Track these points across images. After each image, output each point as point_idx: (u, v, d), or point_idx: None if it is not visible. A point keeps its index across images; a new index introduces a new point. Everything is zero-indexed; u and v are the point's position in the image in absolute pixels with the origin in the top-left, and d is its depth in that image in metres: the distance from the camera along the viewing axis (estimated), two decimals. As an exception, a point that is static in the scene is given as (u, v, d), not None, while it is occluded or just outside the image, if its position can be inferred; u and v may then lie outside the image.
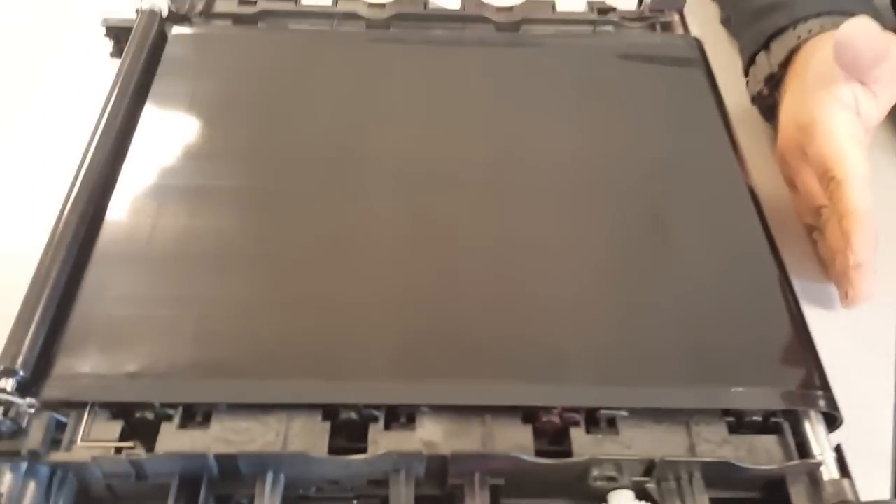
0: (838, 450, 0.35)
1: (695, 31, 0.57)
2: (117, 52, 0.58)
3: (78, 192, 0.42)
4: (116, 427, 0.35)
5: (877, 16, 0.48)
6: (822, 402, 0.36)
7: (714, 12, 0.65)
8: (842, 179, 0.42)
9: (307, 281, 0.40)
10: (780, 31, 0.52)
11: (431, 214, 0.42)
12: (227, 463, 0.34)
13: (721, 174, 0.45)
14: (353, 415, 0.35)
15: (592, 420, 0.36)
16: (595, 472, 0.34)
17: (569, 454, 0.35)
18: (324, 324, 0.38)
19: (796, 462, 0.34)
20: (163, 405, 0.35)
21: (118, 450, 0.34)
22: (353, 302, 0.39)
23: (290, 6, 0.55)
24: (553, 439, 0.36)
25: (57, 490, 0.34)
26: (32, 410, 0.34)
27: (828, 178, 0.43)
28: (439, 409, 0.36)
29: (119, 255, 0.41)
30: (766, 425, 0.36)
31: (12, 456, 0.33)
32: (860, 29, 0.44)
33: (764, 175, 0.49)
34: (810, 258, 0.50)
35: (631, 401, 0.36)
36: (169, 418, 0.35)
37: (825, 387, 0.37)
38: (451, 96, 0.49)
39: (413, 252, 0.41)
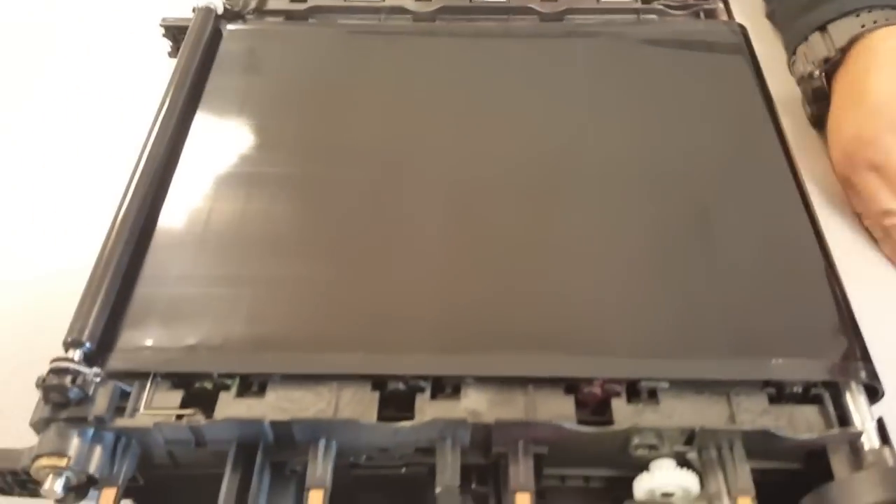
0: (880, 422, 0.36)
1: (739, 18, 0.58)
2: (175, 52, 0.60)
3: (139, 180, 0.44)
4: (177, 396, 0.37)
5: None
6: (862, 374, 0.36)
7: (759, 5, 0.65)
8: None
9: (357, 261, 0.41)
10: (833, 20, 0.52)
11: (478, 200, 0.44)
12: (282, 429, 0.36)
13: (763, 158, 0.46)
14: (400, 385, 0.37)
15: (633, 391, 0.36)
16: (636, 441, 0.35)
17: (610, 424, 0.36)
18: (373, 300, 0.39)
19: (836, 431, 0.35)
20: (221, 375, 0.37)
21: (179, 417, 0.36)
22: (401, 280, 0.40)
23: (339, 2, 0.56)
24: (594, 410, 0.37)
25: (121, 455, 0.36)
26: (98, 380, 0.36)
27: None
28: (483, 381, 0.37)
29: (178, 238, 0.43)
30: (807, 396, 0.36)
31: (79, 422, 0.36)
32: None
33: (805, 161, 0.49)
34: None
35: (672, 372, 0.36)
36: (226, 388, 0.37)
37: (866, 358, 0.37)
38: (498, 87, 0.50)
39: (459, 234, 0.42)
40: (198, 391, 0.37)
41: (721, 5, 0.58)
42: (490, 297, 0.39)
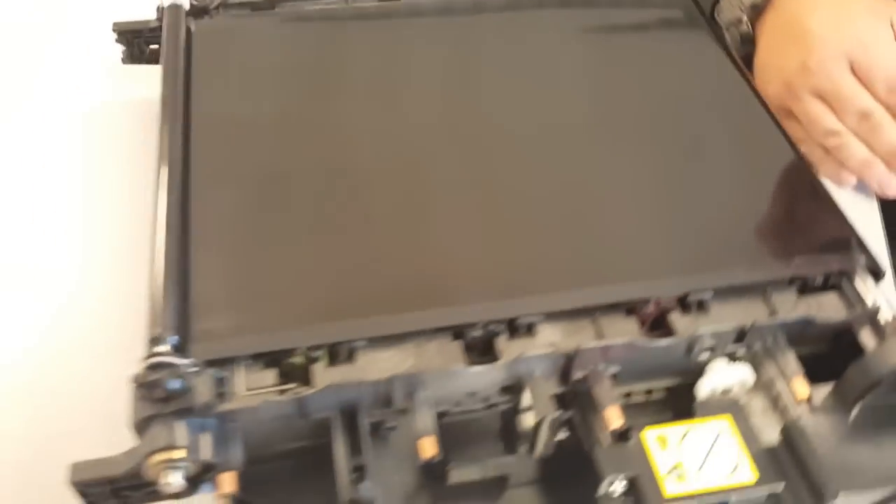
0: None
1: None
2: (129, 57, 0.59)
3: (169, 179, 0.44)
4: (272, 374, 0.38)
5: None
6: (865, 259, 0.42)
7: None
8: None
9: (408, 225, 0.44)
10: None
11: (498, 158, 0.47)
12: (381, 389, 0.38)
13: (735, 93, 0.52)
14: (479, 332, 0.40)
15: (684, 305, 0.41)
16: (697, 346, 0.40)
17: (671, 335, 0.40)
18: (435, 258, 0.42)
19: (859, 310, 0.41)
20: (309, 348, 0.38)
21: (282, 392, 0.38)
22: (456, 236, 0.43)
23: (304, -11, 0.58)
24: (651, 328, 0.41)
25: (231, 440, 0.37)
26: (195, 369, 0.37)
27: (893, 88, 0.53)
28: (552, 316, 0.40)
29: (216, 228, 0.43)
30: (826, 286, 0.42)
31: (186, 412, 0.36)
32: None
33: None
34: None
35: (714, 282, 0.41)
36: (316, 360, 0.39)
37: (864, 247, 0.43)
38: (478, 58, 0.54)
39: (494, 191, 0.46)
40: (288, 367, 0.39)
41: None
42: (541, 241, 0.43)
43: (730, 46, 0.62)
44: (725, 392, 0.40)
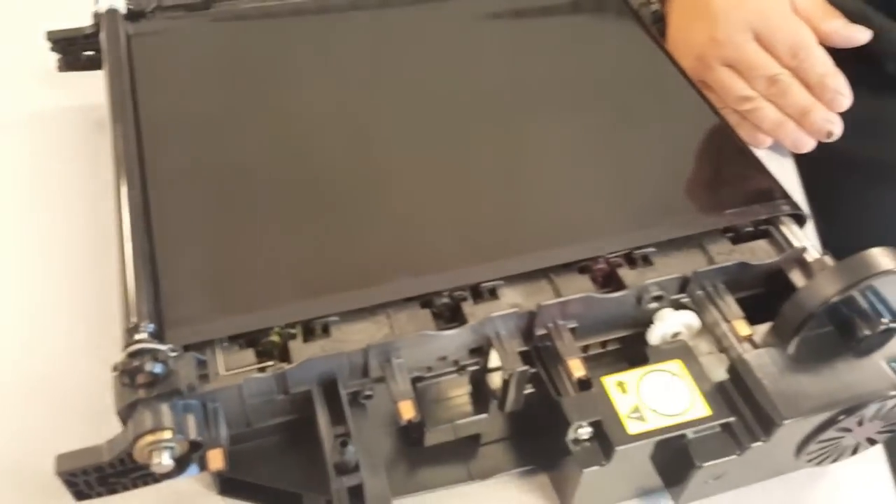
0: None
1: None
2: (64, 64, 0.59)
3: (126, 177, 0.45)
4: (250, 353, 0.39)
5: None
6: (788, 207, 0.46)
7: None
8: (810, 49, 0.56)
9: (368, 201, 0.46)
10: None
11: (448, 136, 0.50)
12: (358, 359, 0.40)
13: (653, 63, 0.55)
14: (445, 299, 0.42)
15: (630, 260, 0.44)
16: (646, 296, 0.43)
17: (623, 289, 0.43)
18: (399, 231, 0.44)
19: (788, 251, 0.44)
20: (285, 326, 0.40)
21: (262, 370, 0.39)
22: (423, 210, 0.46)
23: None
24: (603, 284, 0.44)
25: (214, 419, 0.38)
26: (175, 353, 0.38)
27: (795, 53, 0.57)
28: (512, 279, 0.43)
29: (179, 219, 0.44)
30: (756, 234, 0.46)
31: (171, 395, 0.37)
32: None
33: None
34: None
35: (655, 237, 0.44)
36: (292, 337, 0.40)
37: (786, 196, 0.47)
38: (412, 44, 0.56)
39: (447, 166, 0.48)
40: (266, 346, 0.40)
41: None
42: (495, 210, 0.46)
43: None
44: (674, 337, 0.44)
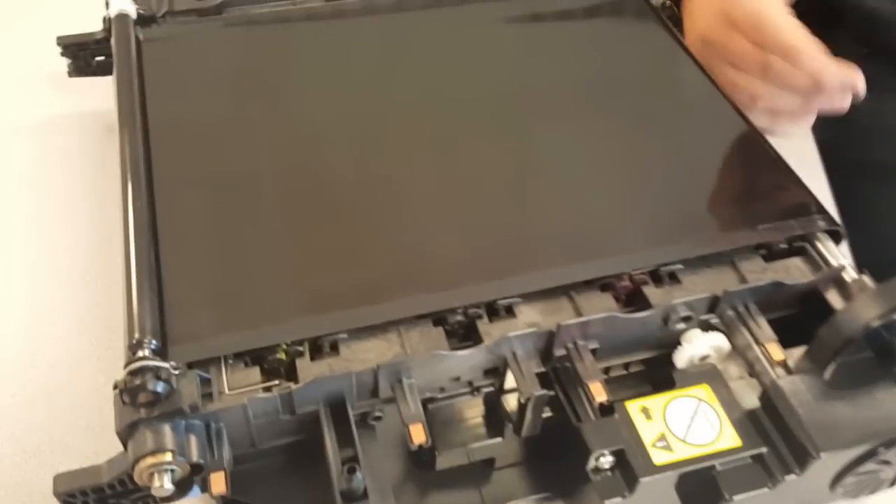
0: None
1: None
2: (75, 69, 0.58)
3: (133, 190, 0.44)
4: (255, 372, 0.38)
5: None
6: (823, 223, 0.44)
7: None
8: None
9: (380, 216, 0.44)
10: None
11: (463, 147, 0.48)
12: (367, 379, 0.38)
13: (680, 68, 0.53)
14: (459, 317, 0.40)
15: (656, 278, 0.42)
16: (673, 317, 0.41)
17: (648, 308, 0.40)
18: (410, 247, 0.42)
19: (825, 271, 0.42)
20: (292, 343, 0.38)
21: (267, 389, 0.37)
22: (437, 223, 0.44)
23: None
24: (626, 303, 0.42)
25: (216, 440, 0.37)
26: (178, 371, 0.36)
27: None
28: (530, 296, 0.41)
29: (186, 231, 0.43)
30: (790, 251, 0.43)
31: (173, 415, 0.35)
32: None
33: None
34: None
35: (683, 253, 0.42)
36: (300, 354, 0.38)
37: (823, 210, 0.44)
38: (426, 50, 0.54)
39: (463, 179, 0.46)
40: (271, 364, 0.38)
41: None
42: (513, 223, 0.44)
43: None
44: (702, 360, 0.41)
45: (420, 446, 0.37)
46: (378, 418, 0.39)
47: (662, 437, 0.38)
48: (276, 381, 0.37)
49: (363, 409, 0.39)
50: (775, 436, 0.39)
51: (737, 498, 0.37)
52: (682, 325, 0.41)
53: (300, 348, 0.38)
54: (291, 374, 0.38)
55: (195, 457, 0.35)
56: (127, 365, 0.36)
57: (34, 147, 0.58)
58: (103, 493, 0.37)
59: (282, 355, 0.38)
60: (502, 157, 0.47)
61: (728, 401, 0.39)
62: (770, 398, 0.39)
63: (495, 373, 0.40)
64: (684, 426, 0.39)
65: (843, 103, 0.50)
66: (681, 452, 0.38)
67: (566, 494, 0.42)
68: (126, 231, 0.41)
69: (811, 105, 0.52)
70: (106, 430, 0.37)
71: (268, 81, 0.52)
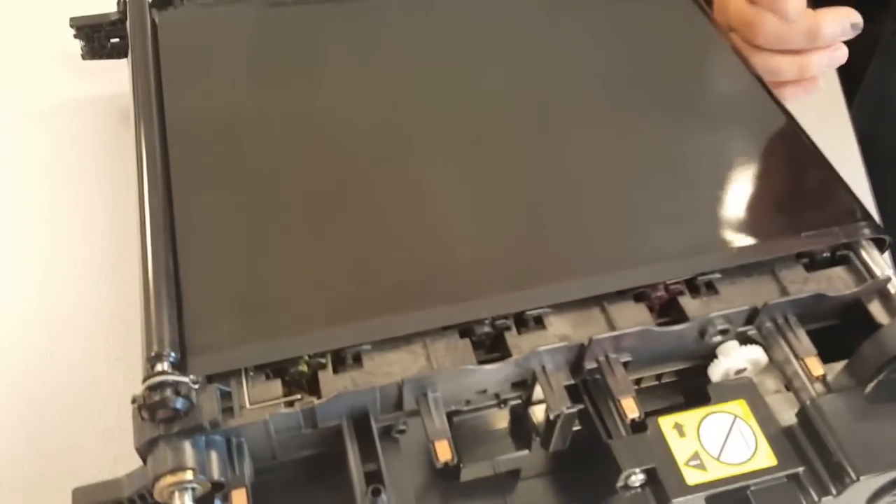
0: (894, 269, 0.41)
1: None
2: (89, 52, 0.57)
3: (149, 189, 0.42)
4: (276, 385, 0.36)
5: None
6: (868, 231, 0.42)
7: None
8: None
9: (404, 221, 0.42)
10: None
11: (490, 148, 0.46)
12: (391, 393, 0.36)
13: (724, 66, 0.51)
14: (486, 328, 0.38)
15: (693, 288, 0.40)
16: (710, 329, 0.39)
17: (684, 321, 0.39)
18: (443, 254, 0.41)
19: (869, 282, 0.40)
20: (313, 356, 0.37)
21: (289, 404, 0.36)
22: (465, 230, 0.42)
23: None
24: (660, 313, 0.40)
25: (237, 456, 0.36)
26: (198, 386, 0.35)
27: None
28: (560, 307, 0.39)
29: (206, 237, 0.41)
30: (833, 260, 0.41)
31: (193, 431, 0.34)
32: None
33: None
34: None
35: (721, 263, 0.40)
36: (322, 367, 0.37)
37: (868, 216, 0.42)
38: (456, 39, 0.52)
39: (490, 183, 0.44)
40: (293, 376, 0.37)
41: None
42: (543, 231, 0.42)
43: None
44: (738, 373, 0.40)
45: (446, 463, 0.36)
46: (402, 431, 0.38)
47: (696, 456, 0.37)
48: (299, 396, 0.36)
49: (387, 422, 0.38)
50: (812, 455, 0.37)
51: (771, 520, 0.37)
52: (718, 338, 0.39)
53: (322, 360, 0.37)
54: (313, 386, 0.37)
55: (216, 475, 0.34)
56: (145, 380, 0.35)
57: (47, 133, 0.57)
58: (123, 507, 0.36)
59: (304, 367, 0.37)
60: (532, 159, 0.45)
61: (764, 417, 0.38)
62: (808, 415, 0.38)
63: (523, 385, 0.39)
64: (719, 444, 0.37)
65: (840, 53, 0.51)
66: (715, 472, 0.36)
67: (594, 507, 0.41)
68: (143, 233, 0.40)
69: (810, 64, 0.52)
70: (125, 435, 0.37)
71: (291, 69, 0.50)
